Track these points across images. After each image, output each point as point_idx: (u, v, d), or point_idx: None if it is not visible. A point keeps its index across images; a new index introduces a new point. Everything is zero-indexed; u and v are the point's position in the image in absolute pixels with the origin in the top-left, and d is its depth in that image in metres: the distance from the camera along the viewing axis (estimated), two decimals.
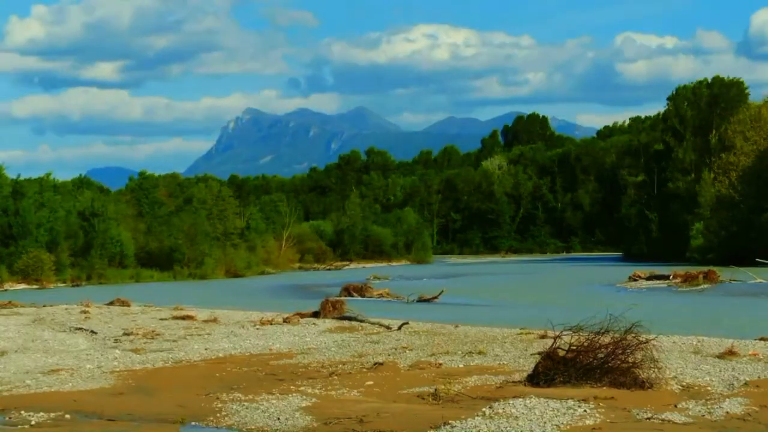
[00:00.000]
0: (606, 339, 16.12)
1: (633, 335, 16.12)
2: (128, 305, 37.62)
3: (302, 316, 29.95)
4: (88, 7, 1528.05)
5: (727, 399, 14.59)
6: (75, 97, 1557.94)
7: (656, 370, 15.80)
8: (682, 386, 15.83)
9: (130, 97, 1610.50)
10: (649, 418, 13.34)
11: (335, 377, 17.60)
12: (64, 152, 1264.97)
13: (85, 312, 33.38)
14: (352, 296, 45.43)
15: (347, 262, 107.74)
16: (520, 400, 14.28)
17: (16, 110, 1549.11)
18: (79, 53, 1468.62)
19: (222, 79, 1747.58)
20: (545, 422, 13.01)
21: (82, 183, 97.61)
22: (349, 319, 28.91)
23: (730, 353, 19.03)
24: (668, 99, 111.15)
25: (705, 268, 56.30)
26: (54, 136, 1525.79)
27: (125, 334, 25.64)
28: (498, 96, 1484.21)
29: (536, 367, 16.26)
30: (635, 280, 55.66)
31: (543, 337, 21.83)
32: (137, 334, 25.53)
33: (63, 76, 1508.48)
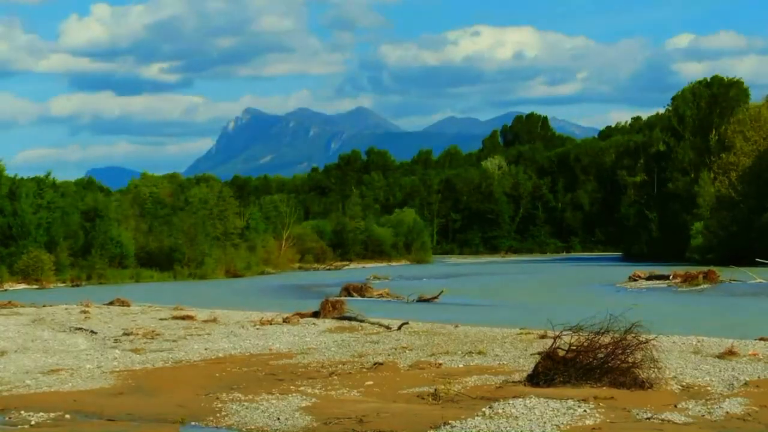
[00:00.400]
0: (606, 339, 16.12)
1: (633, 335, 16.13)
2: (128, 305, 37.63)
3: (302, 316, 29.96)
4: (148, 8, 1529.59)
5: (727, 399, 14.59)
6: (116, 98, 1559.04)
7: (656, 370, 15.80)
8: (682, 386, 15.84)
9: (178, 96, 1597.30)
10: (649, 418, 13.34)
11: (335, 377, 17.60)
12: (93, 151, 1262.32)
13: (85, 312, 33.39)
14: (352, 296, 45.42)
15: (347, 262, 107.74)
16: (520, 400, 14.28)
17: (56, 109, 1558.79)
18: (126, 54, 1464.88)
19: (274, 81, 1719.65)
20: (545, 422, 13.01)
21: (88, 184, 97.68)
22: (349, 319, 28.91)
23: (730, 353, 19.03)
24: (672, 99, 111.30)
25: (705, 268, 56.29)
26: (88, 135, 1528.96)
27: (125, 334, 25.65)
28: (540, 95, 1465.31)
29: (536, 367, 16.27)
30: (635, 280, 55.65)
31: (543, 337, 21.83)
32: (137, 334, 25.53)
33: (112, 77, 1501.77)
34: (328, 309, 30.30)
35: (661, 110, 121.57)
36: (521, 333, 23.86)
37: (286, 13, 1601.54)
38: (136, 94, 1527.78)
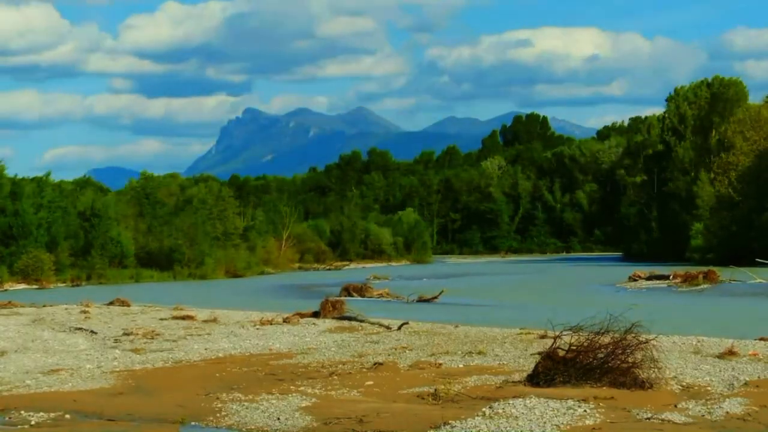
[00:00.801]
0: (606, 339, 16.12)
1: (633, 335, 16.12)
2: (128, 305, 37.61)
3: (302, 316, 29.95)
4: (213, 9, 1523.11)
5: (727, 399, 14.59)
6: (166, 101, 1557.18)
7: (656, 370, 15.80)
8: (682, 386, 15.84)
9: (226, 97, 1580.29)
10: (649, 418, 13.35)
11: (335, 377, 17.60)
12: (116, 150, 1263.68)
13: (85, 312, 33.38)
14: (352, 296, 45.41)
15: (347, 262, 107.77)
16: (520, 400, 14.28)
17: (99, 108, 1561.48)
18: (186, 56, 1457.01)
19: (328, 82, 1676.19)
20: (545, 422, 13.01)
21: (86, 183, 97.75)
22: (349, 319, 28.91)
23: (730, 353, 19.03)
24: (667, 99, 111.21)
25: (705, 268, 56.29)
26: (128, 135, 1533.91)
27: (125, 334, 25.64)
28: (585, 95, 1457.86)
29: (536, 367, 16.27)
30: (635, 280, 55.65)
31: (543, 337, 21.83)
32: (137, 334, 25.53)
33: (169, 79, 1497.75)
34: (328, 309, 30.29)
35: (662, 110, 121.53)
36: (521, 333, 23.86)
37: (361, 14, 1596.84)
38: (188, 96, 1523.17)
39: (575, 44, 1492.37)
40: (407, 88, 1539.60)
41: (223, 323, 28.71)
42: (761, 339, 21.98)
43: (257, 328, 26.85)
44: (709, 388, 15.63)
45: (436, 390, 15.61)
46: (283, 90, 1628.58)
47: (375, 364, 18.88)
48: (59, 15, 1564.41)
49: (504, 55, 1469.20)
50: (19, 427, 13.85)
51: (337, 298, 33.50)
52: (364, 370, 18.43)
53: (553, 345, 16.50)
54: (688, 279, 51.88)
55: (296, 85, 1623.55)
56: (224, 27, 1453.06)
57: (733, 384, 15.88)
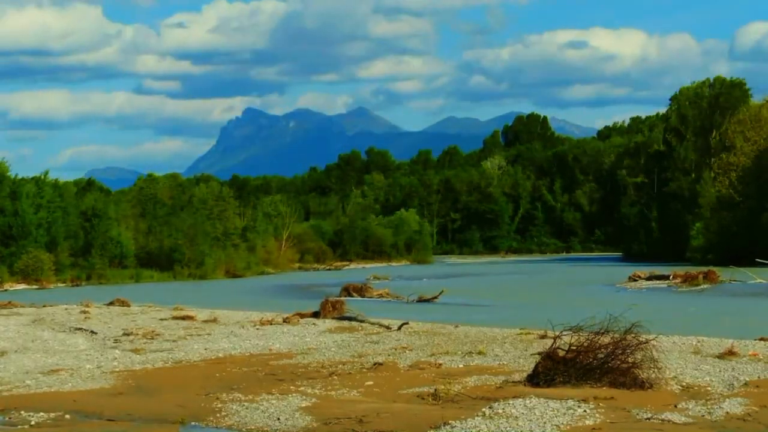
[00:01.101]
0: (606, 339, 16.12)
1: (633, 335, 16.13)
2: (128, 305, 37.62)
3: (302, 316, 29.95)
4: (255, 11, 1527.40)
5: (727, 399, 14.59)
6: (192, 103, 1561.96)
7: (656, 370, 15.81)
8: (682, 386, 15.84)
9: (253, 99, 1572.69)
10: (649, 418, 13.35)
11: (335, 377, 17.60)
12: (134, 150, 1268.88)
13: (85, 312, 33.39)
14: (352, 296, 45.40)
15: (347, 262, 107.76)
16: (520, 400, 14.28)
17: (126, 108, 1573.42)
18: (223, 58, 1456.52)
19: (347, 84, 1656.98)
20: (545, 422, 13.01)
21: (88, 184, 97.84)
22: (349, 319, 28.91)
23: (730, 353, 19.04)
24: (671, 99, 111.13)
25: (705, 268, 56.27)
26: (151, 135, 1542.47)
27: (125, 334, 25.65)
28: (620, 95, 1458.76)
29: (536, 367, 16.27)
30: (635, 280, 55.63)
31: (543, 337, 21.83)
32: (137, 334, 25.54)
33: (206, 83, 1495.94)
34: (328, 309, 30.29)
35: (662, 110, 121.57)
36: (521, 333, 23.86)
37: (417, 15, 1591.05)
38: (216, 97, 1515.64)
39: (624, 46, 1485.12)
40: (441, 89, 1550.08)
41: (223, 323, 28.71)
42: (761, 339, 21.99)
43: (257, 329, 26.85)
44: (709, 389, 15.63)
45: (436, 390, 15.61)
46: (316, 90, 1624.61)
47: (375, 364, 18.88)
48: (102, 15, 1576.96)
49: (542, 56, 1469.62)
50: (19, 427, 13.86)
51: (337, 298, 33.51)
52: (364, 370, 18.43)
53: (553, 345, 16.50)
54: (688, 279, 51.87)
55: (331, 86, 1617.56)
56: (273, 28, 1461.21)
57: (733, 384, 15.88)
